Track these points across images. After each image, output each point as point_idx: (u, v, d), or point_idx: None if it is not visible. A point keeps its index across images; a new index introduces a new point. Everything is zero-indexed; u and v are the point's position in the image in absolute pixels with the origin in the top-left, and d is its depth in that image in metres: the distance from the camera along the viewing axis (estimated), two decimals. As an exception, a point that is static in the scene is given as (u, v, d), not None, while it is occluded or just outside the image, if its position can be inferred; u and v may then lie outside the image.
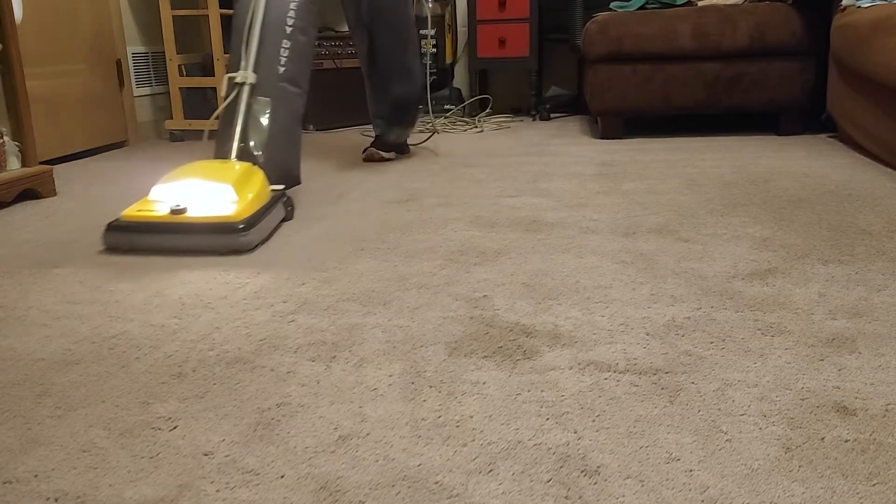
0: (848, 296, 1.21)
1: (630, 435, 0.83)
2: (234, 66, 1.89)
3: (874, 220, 1.64)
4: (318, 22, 1.98)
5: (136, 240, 1.61)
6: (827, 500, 0.71)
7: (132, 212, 1.64)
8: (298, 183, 2.00)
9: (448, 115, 3.68)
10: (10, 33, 2.11)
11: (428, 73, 3.39)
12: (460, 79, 4.03)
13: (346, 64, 3.57)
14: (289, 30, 1.89)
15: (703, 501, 0.71)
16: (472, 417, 0.88)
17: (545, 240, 1.59)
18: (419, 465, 0.79)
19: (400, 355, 1.05)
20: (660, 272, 1.36)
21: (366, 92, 2.55)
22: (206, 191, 1.64)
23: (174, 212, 1.60)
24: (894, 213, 1.68)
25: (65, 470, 0.80)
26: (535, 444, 0.82)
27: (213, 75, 3.28)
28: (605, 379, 0.96)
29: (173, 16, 3.24)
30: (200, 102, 3.45)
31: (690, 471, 0.76)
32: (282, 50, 1.88)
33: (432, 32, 3.73)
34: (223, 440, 0.85)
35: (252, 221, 1.59)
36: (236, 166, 1.72)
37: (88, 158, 2.98)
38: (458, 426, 0.86)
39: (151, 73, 3.49)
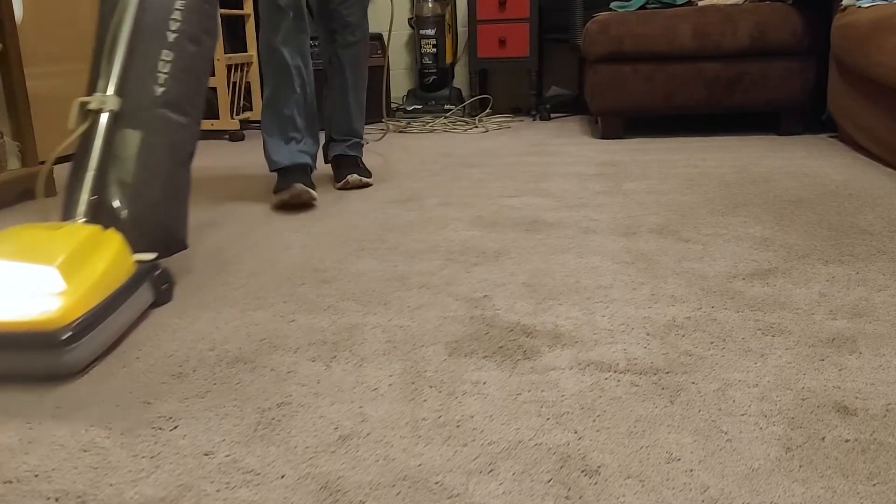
0: (848, 296, 1.21)
1: (630, 435, 0.83)
2: (91, 88, 1.38)
3: (874, 220, 1.64)
4: (217, 28, 1.50)
5: None
6: (827, 500, 0.71)
7: None
8: (184, 247, 1.42)
9: (448, 115, 3.68)
10: (10, 33, 2.11)
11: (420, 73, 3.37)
12: (460, 79, 4.03)
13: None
14: (172, 37, 1.38)
15: (703, 501, 0.71)
16: (472, 417, 0.88)
17: (546, 240, 1.59)
18: (419, 465, 0.79)
19: (400, 355, 1.05)
20: (660, 272, 1.36)
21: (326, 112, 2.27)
22: (14, 277, 1.06)
23: None
24: (895, 213, 1.68)
25: (66, 469, 0.81)
26: (535, 444, 0.82)
27: (213, 75, 3.29)
28: (606, 379, 0.96)
29: (173, 16, 3.24)
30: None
31: (691, 471, 0.76)
32: (161, 64, 1.37)
33: (432, 32, 3.74)
34: (224, 440, 0.85)
35: (85, 326, 1.04)
36: (75, 233, 1.16)
37: (89, 158, 2.98)
38: (458, 426, 0.86)
39: (152, 72, 3.49)
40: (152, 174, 1.36)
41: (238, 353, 1.08)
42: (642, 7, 2.96)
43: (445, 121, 3.60)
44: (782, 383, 0.93)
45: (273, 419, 0.89)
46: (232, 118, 3.33)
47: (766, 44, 2.76)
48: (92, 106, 1.33)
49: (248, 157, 2.82)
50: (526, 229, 1.68)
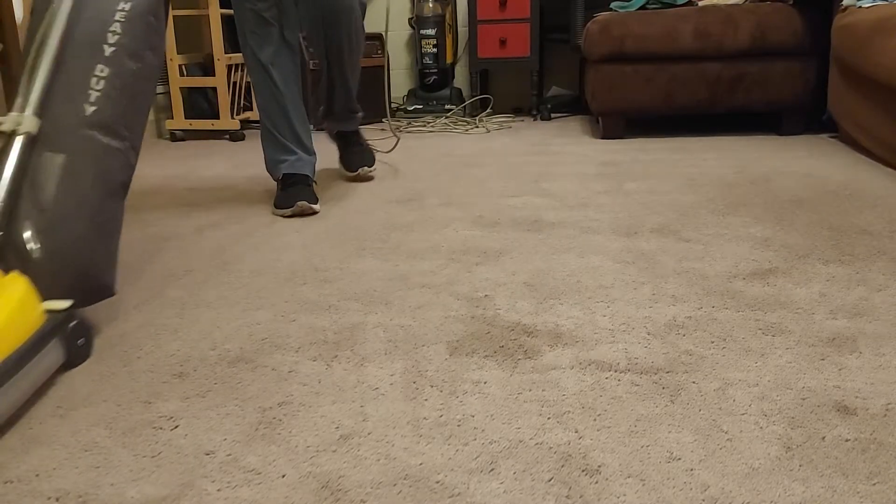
0: (849, 296, 1.21)
1: (631, 434, 0.83)
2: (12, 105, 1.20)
3: (875, 220, 1.64)
4: (163, 44, 1.35)
5: None
6: (827, 500, 0.71)
7: None
8: (110, 294, 1.20)
9: (449, 115, 3.68)
10: (10, 33, 2.11)
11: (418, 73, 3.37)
12: (461, 79, 4.03)
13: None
14: (109, 51, 1.22)
15: (703, 500, 0.71)
16: (473, 417, 0.88)
17: (547, 239, 1.59)
18: (420, 464, 0.79)
19: (401, 354, 1.06)
20: (661, 272, 1.36)
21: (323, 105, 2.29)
22: None
23: None
24: (895, 213, 1.68)
25: (66, 469, 0.81)
26: (536, 444, 0.82)
27: (214, 75, 3.29)
28: (607, 378, 0.96)
29: (174, 16, 3.24)
30: (202, 102, 3.45)
31: (691, 470, 0.76)
32: (94, 80, 1.20)
33: (433, 32, 3.74)
34: (225, 439, 0.85)
35: None
36: None
37: (90, 158, 2.98)
38: (459, 425, 0.86)
39: (152, 72, 3.49)
40: (75, 204, 1.15)
41: (239, 353, 1.08)
42: (643, 7, 2.96)
43: (446, 121, 3.60)
44: (782, 383, 0.93)
45: (274, 418, 0.89)
46: (232, 118, 3.33)
47: (766, 44, 2.76)
48: (3, 128, 1.12)
49: (249, 157, 2.82)
50: (527, 229, 1.68)
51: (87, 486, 0.77)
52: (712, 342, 1.06)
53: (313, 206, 1.91)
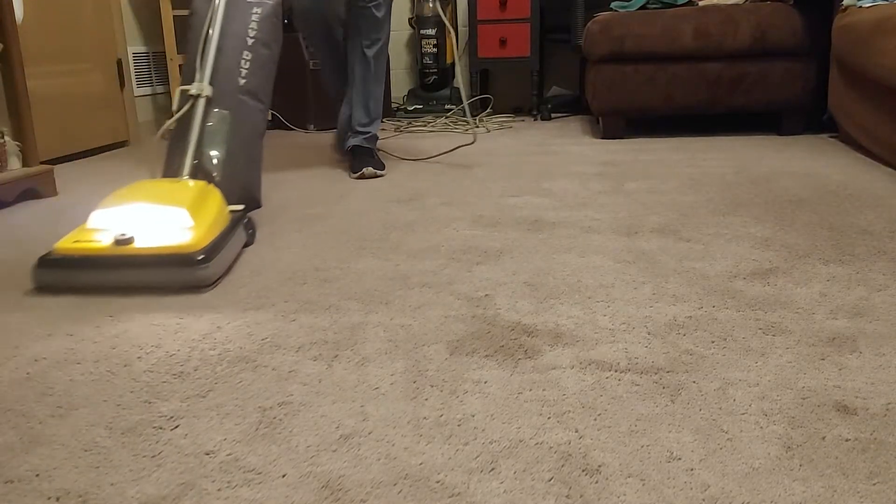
0: (849, 295, 1.21)
1: (631, 434, 0.83)
2: (188, 79, 1.78)
3: (875, 220, 1.64)
4: (281, 37, 1.91)
5: (73, 276, 1.36)
6: (828, 499, 0.71)
7: (68, 243, 1.38)
8: (259, 205, 1.84)
9: (449, 114, 3.68)
10: (10, 33, 2.11)
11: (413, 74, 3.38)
12: (461, 78, 4.03)
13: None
14: (250, 41, 1.81)
15: (704, 500, 0.71)
16: (473, 416, 0.88)
17: (547, 239, 1.59)
18: (421, 463, 0.79)
19: (402, 354, 1.06)
20: (661, 272, 1.36)
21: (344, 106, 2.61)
22: (155, 216, 1.40)
23: (119, 242, 1.35)
24: (895, 213, 1.68)
25: (67, 469, 0.81)
26: (536, 443, 0.82)
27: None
28: (607, 378, 0.96)
29: (174, 15, 3.24)
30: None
31: (691, 469, 0.76)
32: (242, 61, 1.79)
33: (433, 32, 3.73)
34: (225, 439, 0.85)
35: (212, 251, 1.36)
36: (190, 185, 1.52)
37: (89, 158, 2.99)
38: (459, 425, 0.86)
39: (152, 72, 3.49)
40: (238, 145, 1.76)
41: (240, 353, 1.08)
42: (643, 7, 2.96)
43: (446, 120, 3.60)
44: (783, 382, 0.93)
45: (275, 418, 0.89)
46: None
47: (767, 44, 2.76)
48: (192, 92, 1.73)
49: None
50: (527, 229, 1.68)
51: (88, 485, 0.77)
52: (713, 342, 1.06)
53: (377, 172, 2.33)
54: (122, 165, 2.79)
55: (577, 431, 0.84)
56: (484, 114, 3.77)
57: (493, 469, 0.78)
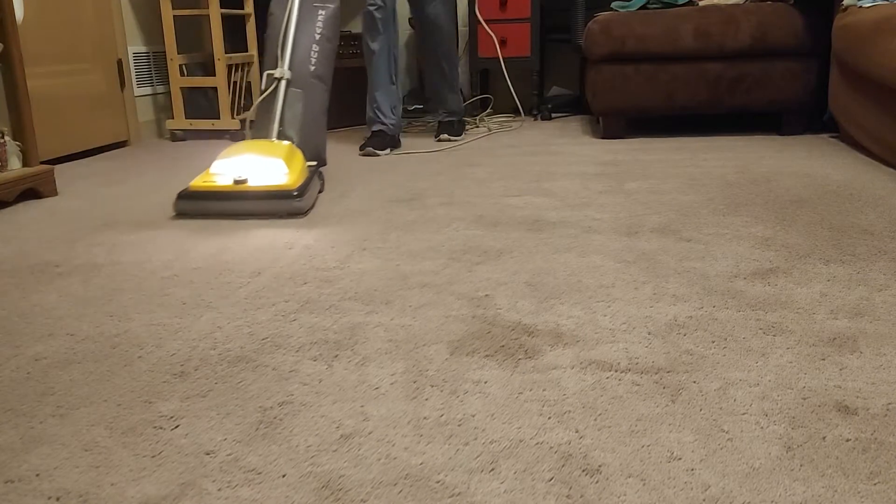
0: (849, 295, 1.21)
1: (632, 434, 0.83)
2: (271, 65, 2.30)
3: (876, 220, 1.64)
4: (339, 32, 2.42)
5: (205, 206, 1.87)
6: (828, 499, 0.71)
7: (199, 182, 1.90)
8: (325, 164, 2.41)
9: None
10: (11, 33, 2.11)
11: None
12: (461, 78, 4.03)
13: (347, 64, 3.57)
14: (318, 36, 2.32)
15: (704, 500, 0.71)
16: (474, 416, 0.88)
17: (547, 239, 1.59)
18: (421, 463, 0.79)
19: (402, 354, 1.05)
20: (662, 272, 1.36)
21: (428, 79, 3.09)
22: (260, 164, 1.91)
23: (237, 182, 1.87)
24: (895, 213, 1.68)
25: (67, 469, 0.81)
26: (536, 443, 0.82)
27: (214, 75, 3.28)
28: (607, 378, 0.96)
29: (174, 15, 3.24)
30: (202, 102, 3.45)
31: (692, 469, 0.76)
32: (312, 52, 2.30)
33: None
34: (225, 439, 0.85)
35: (304, 189, 1.88)
36: (281, 145, 2.01)
37: (90, 158, 2.99)
38: (460, 425, 0.86)
39: (152, 72, 3.49)
40: (311, 118, 2.31)
41: (240, 352, 1.08)
42: (644, 7, 2.96)
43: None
44: (783, 382, 0.93)
45: (275, 418, 0.89)
46: (233, 118, 3.33)
47: (767, 44, 2.76)
48: (276, 75, 2.25)
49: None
50: (528, 229, 1.68)
51: (88, 485, 0.77)
52: (713, 342, 1.06)
53: (376, 151, 2.76)
54: (123, 165, 2.79)
55: (577, 431, 0.84)
56: (484, 113, 3.76)
57: (493, 469, 0.77)
